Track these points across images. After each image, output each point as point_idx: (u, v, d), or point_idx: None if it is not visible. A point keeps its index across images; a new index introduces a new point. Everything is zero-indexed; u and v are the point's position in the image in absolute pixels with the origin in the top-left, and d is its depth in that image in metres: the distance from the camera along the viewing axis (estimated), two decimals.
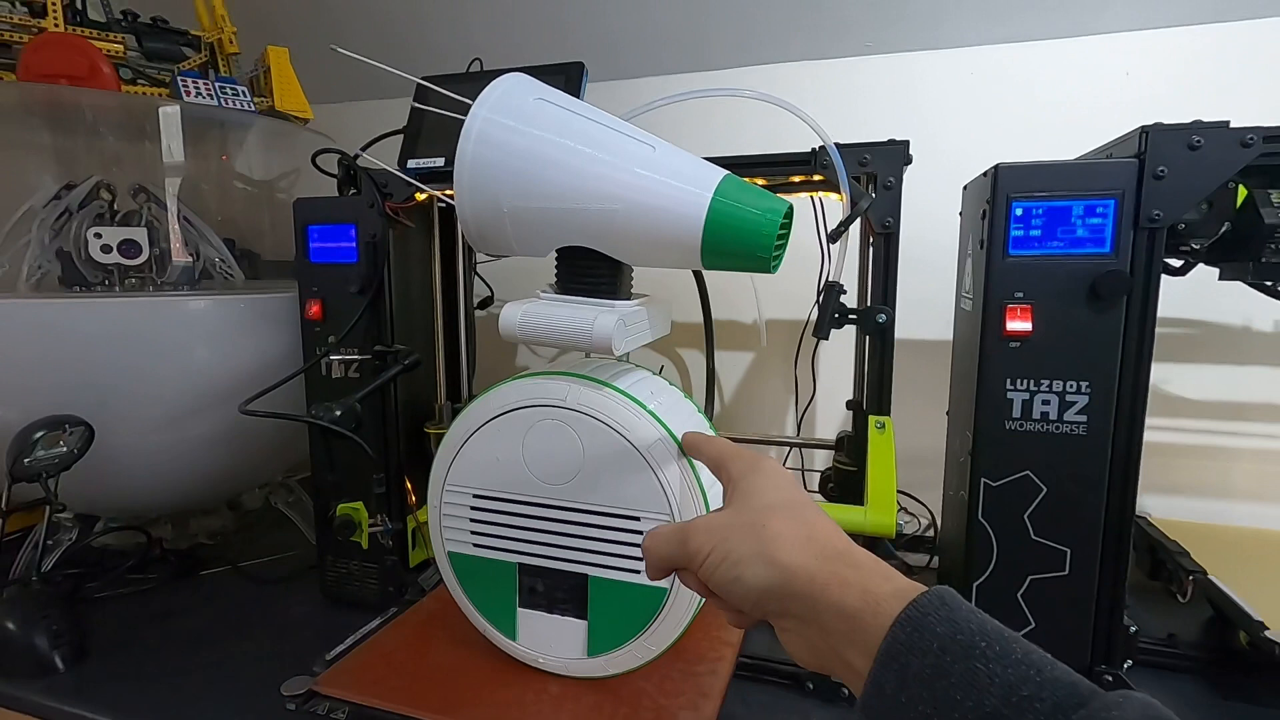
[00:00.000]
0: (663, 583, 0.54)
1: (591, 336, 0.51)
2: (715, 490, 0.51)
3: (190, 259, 0.84)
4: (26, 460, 0.67)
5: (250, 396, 0.66)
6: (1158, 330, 0.55)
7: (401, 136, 0.72)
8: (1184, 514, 0.85)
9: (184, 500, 0.89)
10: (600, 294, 0.55)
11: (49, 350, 0.74)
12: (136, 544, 0.87)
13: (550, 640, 0.60)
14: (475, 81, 0.52)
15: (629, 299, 0.57)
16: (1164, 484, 0.89)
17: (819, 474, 0.76)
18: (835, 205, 0.65)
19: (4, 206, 0.81)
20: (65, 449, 0.70)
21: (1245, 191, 0.54)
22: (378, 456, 0.72)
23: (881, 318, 0.61)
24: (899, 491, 0.59)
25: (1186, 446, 0.89)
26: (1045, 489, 0.58)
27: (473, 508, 0.60)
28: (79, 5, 0.86)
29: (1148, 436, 0.56)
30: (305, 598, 0.78)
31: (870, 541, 0.61)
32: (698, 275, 0.88)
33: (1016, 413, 0.57)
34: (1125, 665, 0.59)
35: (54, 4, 0.83)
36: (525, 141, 0.49)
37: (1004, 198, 0.56)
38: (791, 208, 0.49)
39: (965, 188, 0.68)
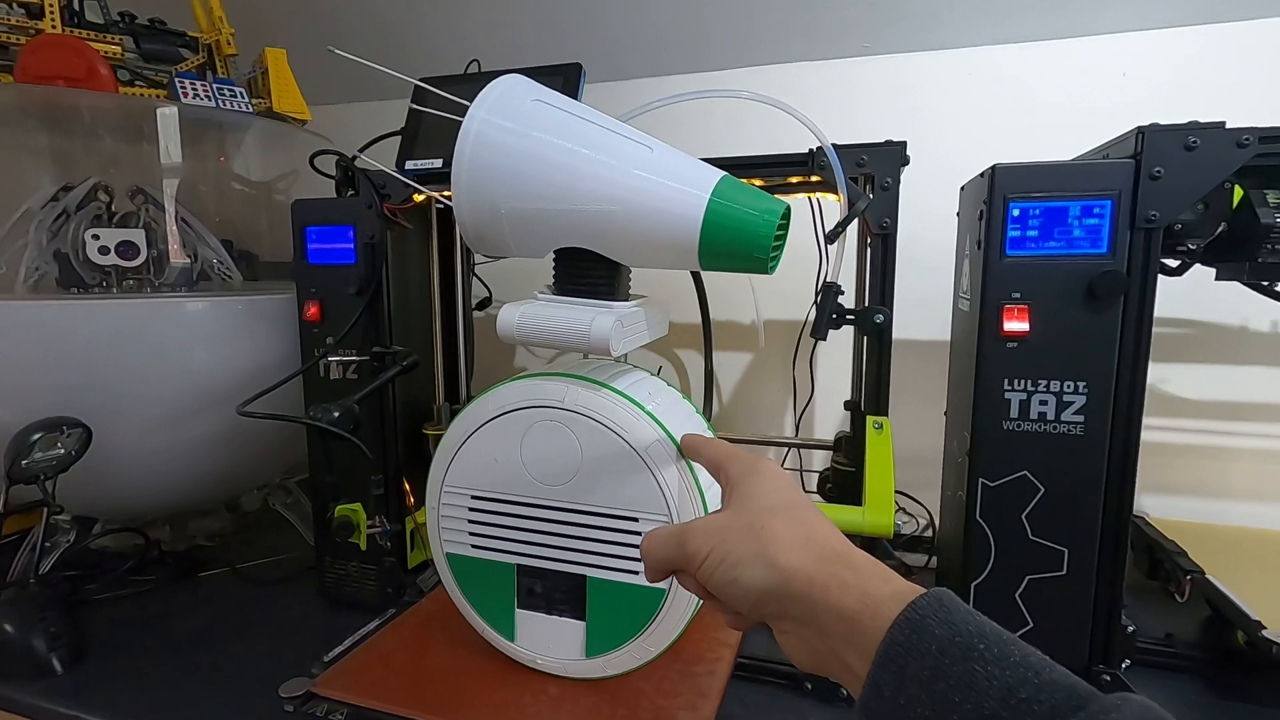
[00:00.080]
0: (661, 584, 0.54)
1: (589, 337, 0.51)
2: (714, 491, 0.51)
3: (188, 260, 0.83)
4: (24, 462, 0.67)
5: (248, 398, 0.66)
6: (1155, 330, 0.55)
7: (399, 138, 0.72)
8: (1181, 514, 0.85)
9: (182, 502, 0.89)
10: (598, 295, 0.55)
11: (47, 352, 0.74)
12: (134, 546, 0.86)
13: (549, 641, 0.60)
14: (473, 83, 0.52)
15: (627, 300, 0.57)
16: (1161, 484, 0.89)
17: (817, 474, 0.76)
18: (833, 206, 0.65)
19: (1, 208, 0.80)
20: (63, 451, 0.70)
21: (1241, 192, 0.54)
22: (376, 458, 0.72)
23: (879, 318, 0.61)
24: (897, 492, 0.59)
25: (1184, 446, 0.89)
26: (1043, 489, 0.58)
27: (471, 509, 0.60)
28: (76, 6, 0.86)
29: (1145, 436, 0.56)
30: (303, 599, 0.78)
31: (868, 542, 0.61)
32: (696, 276, 0.88)
33: (1014, 413, 0.57)
34: (1123, 665, 0.59)
35: (51, 5, 0.83)
36: (523, 143, 0.49)
37: (1001, 198, 0.56)
38: (789, 208, 0.49)
39: (962, 188, 0.68)
